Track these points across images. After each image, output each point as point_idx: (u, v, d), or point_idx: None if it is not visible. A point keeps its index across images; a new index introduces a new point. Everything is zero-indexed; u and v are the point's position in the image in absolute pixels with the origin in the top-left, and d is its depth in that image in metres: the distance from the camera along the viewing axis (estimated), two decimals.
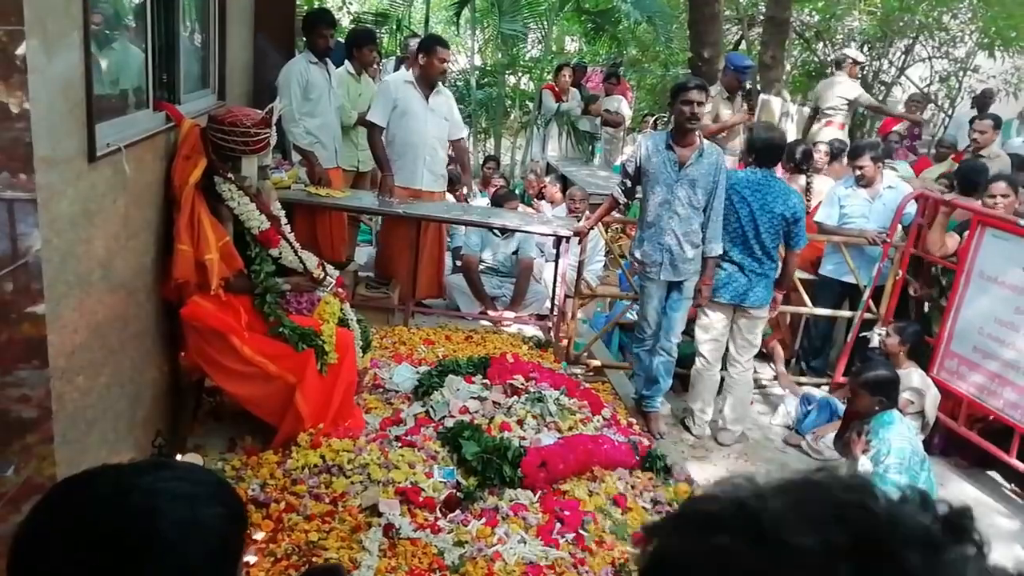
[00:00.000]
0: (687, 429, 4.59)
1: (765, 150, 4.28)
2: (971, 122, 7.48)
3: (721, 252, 4.27)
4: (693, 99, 4.03)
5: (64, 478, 1.01)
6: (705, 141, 4.21)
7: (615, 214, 4.90)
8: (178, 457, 3.23)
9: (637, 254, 4.36)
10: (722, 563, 0.55)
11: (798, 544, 0.53)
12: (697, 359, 4.52)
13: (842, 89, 7.90)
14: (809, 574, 0.52)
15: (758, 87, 8.47)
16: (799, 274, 5.32)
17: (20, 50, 1.93)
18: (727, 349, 4.50)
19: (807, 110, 9.53)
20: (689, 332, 4.66)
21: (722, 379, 4.54)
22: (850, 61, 8.17)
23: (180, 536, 0.91)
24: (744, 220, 4.23)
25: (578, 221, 5.46)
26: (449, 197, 6.72)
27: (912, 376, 4.30)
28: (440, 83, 5.34)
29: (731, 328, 4.44)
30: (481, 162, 8.93)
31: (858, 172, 5.18)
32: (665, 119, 9.60)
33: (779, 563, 0.53)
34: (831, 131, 7.95)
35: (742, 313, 4.37)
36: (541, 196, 7.20)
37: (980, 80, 11.54)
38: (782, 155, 4.48)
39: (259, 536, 2.90)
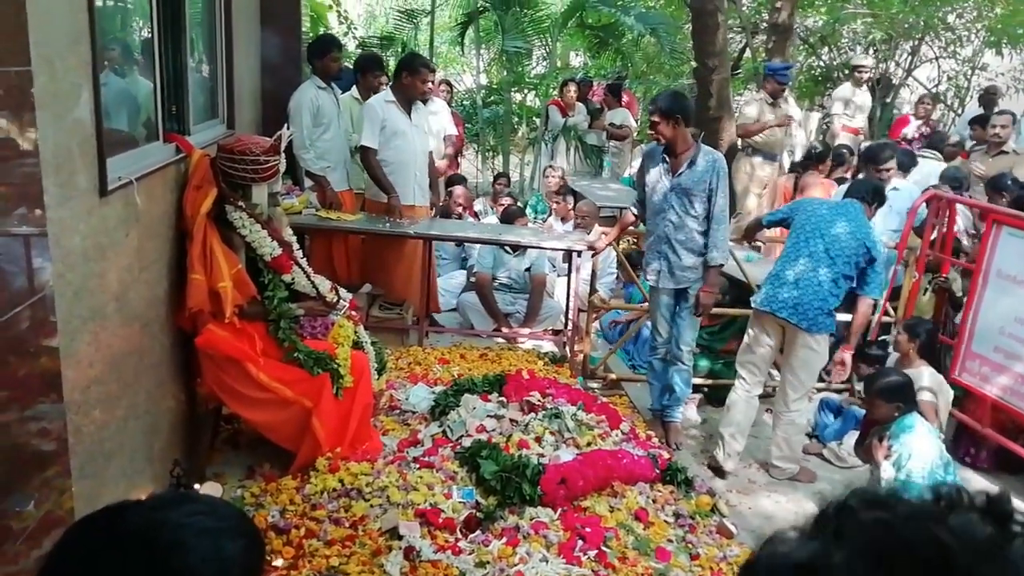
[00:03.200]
0: (715, 468, 4.22)
1: (867, 187, 4.24)
2: (971, 122, 7.49)
3: (724, 261, 4.23)
4: (655, 121, 4.05)
5: (86, 515, 1.02)
6: (703, 148, 4.18)
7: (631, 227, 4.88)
8: (196, 486, 3.23)
9: (644, 263, 4.38)
10: None
11: None
12: (736, 380, 4.25)
13: (840, 94, 8.21)
14: None
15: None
16: None
17: (29, 88, 1.95)
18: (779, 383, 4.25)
19: (816, 115, 9.56)
20: (708, 347, 4.61)
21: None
22: (854, 67, 8.46)
23: (208, 570, 0.93)
24: (818, 237, 3.96)
25: (587, 234, 5.46)
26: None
27: (923, 375, 4.22)
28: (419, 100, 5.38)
29: (784, 358, 4.17)
30: (492, 179, 8.95)
31: (877, 177, 5.12)
32: None
33: None
34: (843, 135, 8.11)
35: (792, 338, 4.04)
36: (559, 192, 7.17)
37: (988, 78, 11.47)
38: (877, 199, 4.18)
39: (279, 563, 2.90)
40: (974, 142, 7.35)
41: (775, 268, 4.13)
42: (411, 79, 5.12)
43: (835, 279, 3.93)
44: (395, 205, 5.09)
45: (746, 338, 4.24)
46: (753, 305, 4.17)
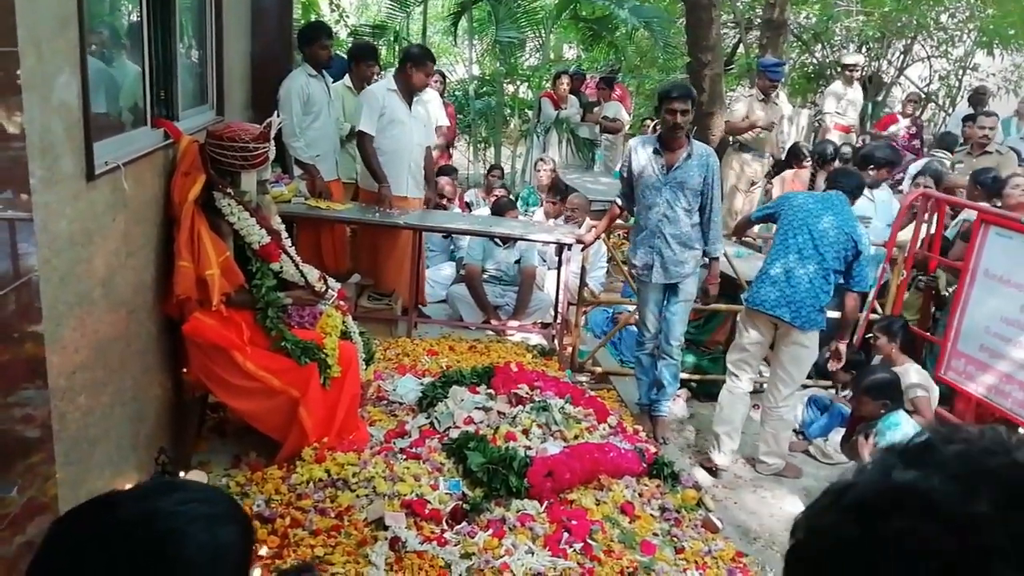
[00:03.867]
0: (710, 468, 4.20)
1: (853, 180, 4.21)
2: (964, 119, 7.54)
3: (723, 251, 4.24)
4: (676, 108, 4.02)
5: (74, 507, 1.01)
6: (695, 143, 4.19)
7: (618, 220, 4.88)
8: (182, 474, 3.22)
9: (632, 258, 4.37)
10: (913, 543, 0.60)
11: (972, 512, 0.60)
12: (728, 378, 4.24)
13: (833, 91, 8.24)
14: (989, 534, 0.58)
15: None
16: None
17: (15, 71, 1.93)
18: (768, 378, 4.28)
19: (807, 112, 9.60)
20: (693, 341, 4.62)
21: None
22: (845, 66, 8.51)
23: (204, 558, 0.93)
24: (806, 232, 3.97)
25: (578, 228, 5.46)
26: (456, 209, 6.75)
27: (910, 372, 4.26)
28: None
29: (775, 355, 4.17)
30: (484, 171, 8.93)
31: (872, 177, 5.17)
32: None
33: (962, 531, 0.59)
34: (834, 132, 8.17)
35: (784, 335, 4.04)
36: (551, 189, 7.15)
37: (979, 78, 11.54)
38: (858, 192, 4.23)
39: (264, 552, 2.89)
40: (960, 140, 7.41)
41: (765, 265, 4.13)
42: (416, 72, 5.11)
43: (824, 275, 3.93)
44: (386, 194, 5.07)
45: (737, 336, 4.23)
46: (745, 303, 4.17)
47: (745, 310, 4.16)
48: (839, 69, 9.52)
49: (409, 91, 5.17)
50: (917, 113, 9.03)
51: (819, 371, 5.37)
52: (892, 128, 8.71)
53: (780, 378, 4.10)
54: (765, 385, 4.31)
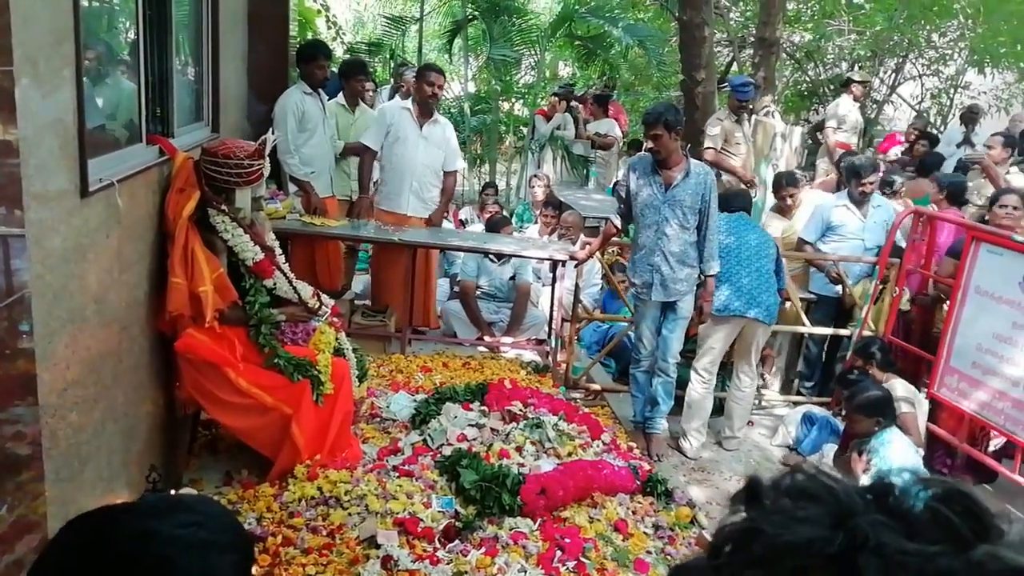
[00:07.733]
0: (681, 451, 4.54)
1: (734, 200, 4.64)
2: (959, 145, 7.55)
3: (718, 270, 4.28)
4: (649, 134, 4.14)
5: (81, 515, 0.99)
6: (692, 161, 4.23)
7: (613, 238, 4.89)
8: (172, 492, 3.20)
9: (630, 275, 4.39)
10: None
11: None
12: (695, 379, 4.48)
13: (836, 109, 8.20)
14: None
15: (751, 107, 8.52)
16: (799, 294, 5.33)
17: (11, 88, 1.94)
18: (730, 366, 4.62)
19: (800, 130, 9.64)
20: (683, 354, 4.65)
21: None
22: (853, 82, 8.44)
23: None
24: (740, 244, 4.41)
25: (572, 245, 5.47)
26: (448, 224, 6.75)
27: (895, 388, 4.26)
28: (437, 111, 5.43)
29: (743, 349, 4.49)
30: (480, 188, 8.96)
31: (860, 190, 5.18)
32: None
33: None
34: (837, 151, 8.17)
35: (753, 332, 4.43)
36: (546, 205, 7.16)
37: (971, 96, 11.63)
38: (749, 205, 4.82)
39: (255, 571, 2.87)
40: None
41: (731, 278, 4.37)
42: (417, 84, 5.35)
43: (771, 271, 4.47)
44: (363, 205, 5.21)
45: (712, 343, 4.45)
46: (727, 312, 4.36)
47: (717, 319, 4.40)
48: (834, 87, 9.48)
49: (421, 108, 5.25)
50: (915, 140, 8.97)
51: (820, 389, 5.39)
52: (893, 150, 8.70)
53: (749, 363, 4.56)
54: (739, 379, 4.63)
